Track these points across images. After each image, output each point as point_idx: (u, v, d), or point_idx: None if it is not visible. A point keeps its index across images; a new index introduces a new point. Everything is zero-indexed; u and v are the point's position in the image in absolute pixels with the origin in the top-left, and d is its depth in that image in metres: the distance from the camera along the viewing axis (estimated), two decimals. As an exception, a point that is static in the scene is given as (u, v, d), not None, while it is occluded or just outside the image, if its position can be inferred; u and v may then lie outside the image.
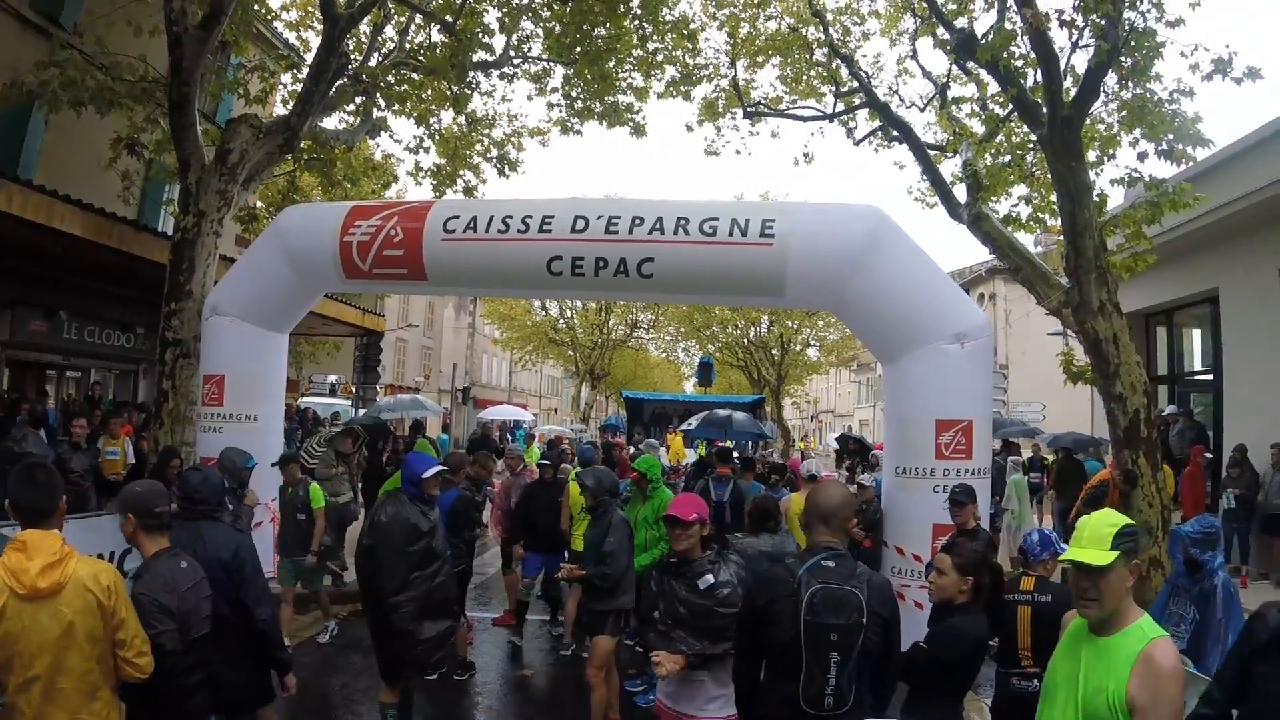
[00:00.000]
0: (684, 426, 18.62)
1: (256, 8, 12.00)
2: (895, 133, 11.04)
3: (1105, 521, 2.66)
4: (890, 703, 3.69)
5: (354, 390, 19.80)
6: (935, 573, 4.05)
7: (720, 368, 39.09)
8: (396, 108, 12.56)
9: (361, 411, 17.05)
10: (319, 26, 11.37)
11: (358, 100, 12.08)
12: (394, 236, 8.51)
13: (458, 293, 20.02)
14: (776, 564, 3.92)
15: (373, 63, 11.97)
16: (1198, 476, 10.37)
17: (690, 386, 48.75)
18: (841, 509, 3.52)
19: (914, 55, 11.24)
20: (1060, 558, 2.67)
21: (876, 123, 11.61)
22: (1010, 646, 4.69)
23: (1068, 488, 12.35)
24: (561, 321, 40.14)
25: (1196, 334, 15.94)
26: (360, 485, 11.32)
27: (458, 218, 8.43)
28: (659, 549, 6.94)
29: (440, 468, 5.84)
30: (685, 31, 11.92)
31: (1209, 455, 12.10)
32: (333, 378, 26.94)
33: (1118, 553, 2.56)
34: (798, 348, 38.41)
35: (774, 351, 37.23)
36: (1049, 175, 9.23)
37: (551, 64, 12.75)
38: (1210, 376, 14.60)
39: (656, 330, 42.10)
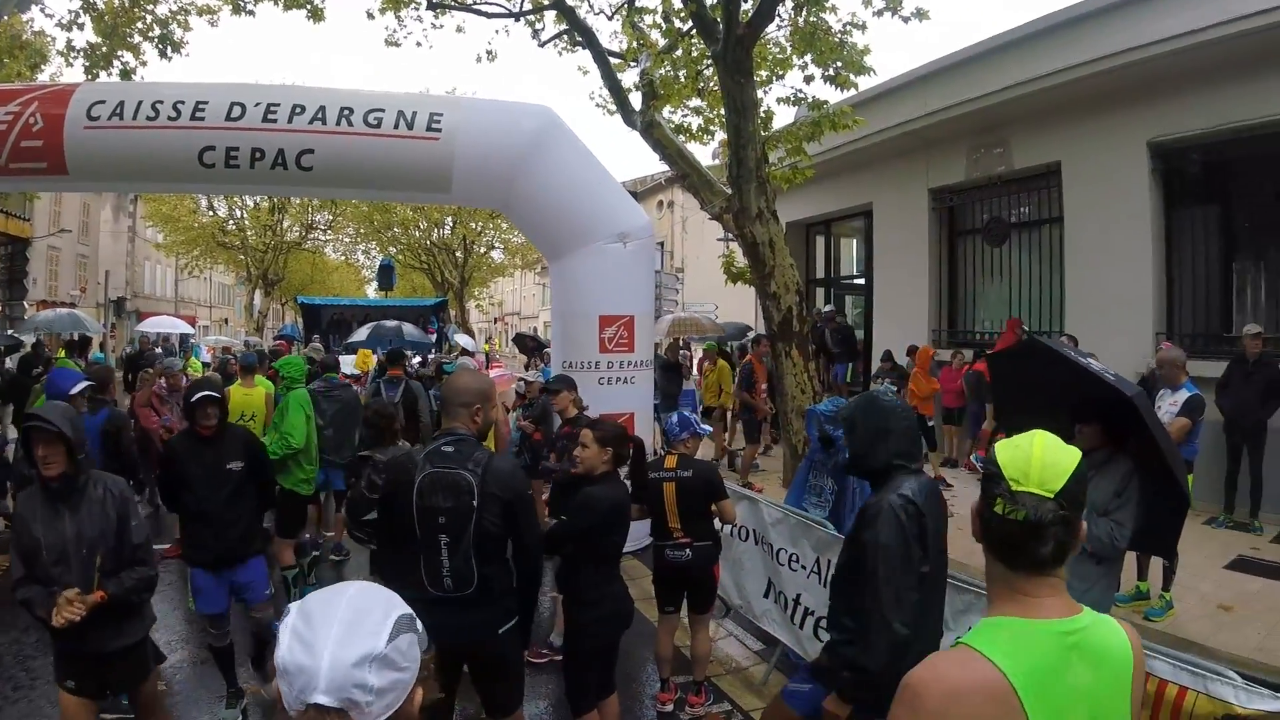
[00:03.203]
0: (354, 338, 18.50)
1: None
2: (580, 37, 11.10)
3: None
4: (540, 580, 3.85)
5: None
6: (580, 447, 4.25)
7: (402, 270, 38.31)
8: (52, -24, 10.91)
9: (10, 331, 15.12)
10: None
11: (7, -33, 10.38)
12: (33, 125, 7.45)
13: (103, 188, 17.95)
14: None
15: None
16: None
17: (372, 290, 47.06)
18: (462, 394, 3.56)
19: (608, -37, 11.21)
20: None
21: (563, 26, 11.60)
22: (661, 521, 5.04)
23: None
24: (231, 223, 36.68)
25: (853, 243, 17.76)
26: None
27: (104, 103, 7.50)
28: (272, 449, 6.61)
29: (87, 383, 5.40)
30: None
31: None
32: (-26, 294, 23.60)
33: None
34: (481, 250, 38.01)
35: (457, 254, 36.58)
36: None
37: (227, -67, 11.54)
38: (862, 281, 16.38)
39: (335, 231, 39.75)
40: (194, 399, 4.80)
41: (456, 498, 3.31)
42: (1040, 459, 1.59)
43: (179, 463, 4.89)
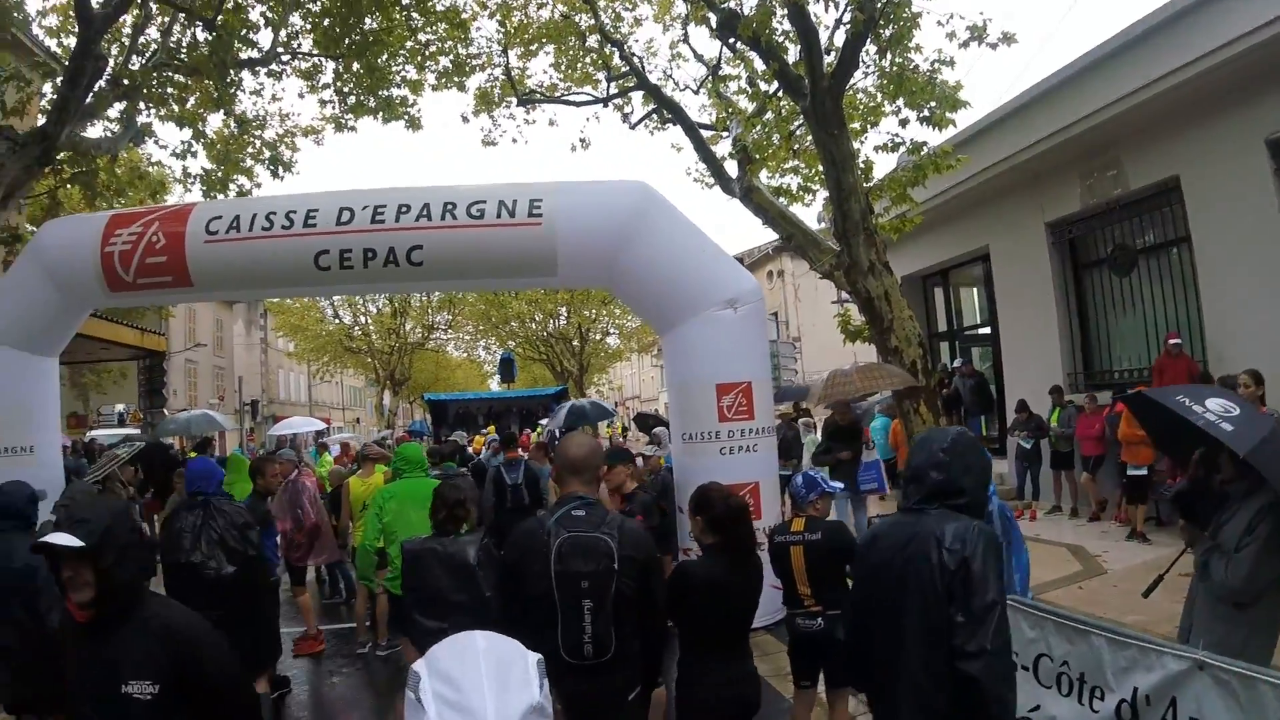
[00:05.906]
0: (549, 422, 19.56)
1: (16, 15, 10.95)
2: (668, 114, 11.26)
3: None
4: (665, 650, 3.67)
5: (142, 417, 18.60)
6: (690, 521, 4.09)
7: (522, 363, 39.26)
8: (162, 111, 11.82)
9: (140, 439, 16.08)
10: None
11: (119, 105, 11.29)
12: (156, 243, 7.93)
13: (227, 296, 19.35)
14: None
15: (134, 65, 11.19)
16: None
17: (495, 384, 48.74)
18: (588, 458, 3.48)
19: (685, 39, 11.47)
20: None
21: (651, 106, 11.80)
22: (790, 587, 4.76)
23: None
24: (356, 328, 38.97)
25: (973, 291, 17.08)
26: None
27: (220, 218, 7.96)
28: (370, 540, 6.77)
29: None
30: (456, 21, 11.74)
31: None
32: (120, 407, 25.36)
33: None
34: (597, 336, 38.94)
35: (574, 342, 37.61)
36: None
37: (322, 59, 12.31)
38: (987, 330, 15.70)
39: (454, 330, 41.56)
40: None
41: (597, 561, 3.23)
42: None
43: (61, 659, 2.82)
